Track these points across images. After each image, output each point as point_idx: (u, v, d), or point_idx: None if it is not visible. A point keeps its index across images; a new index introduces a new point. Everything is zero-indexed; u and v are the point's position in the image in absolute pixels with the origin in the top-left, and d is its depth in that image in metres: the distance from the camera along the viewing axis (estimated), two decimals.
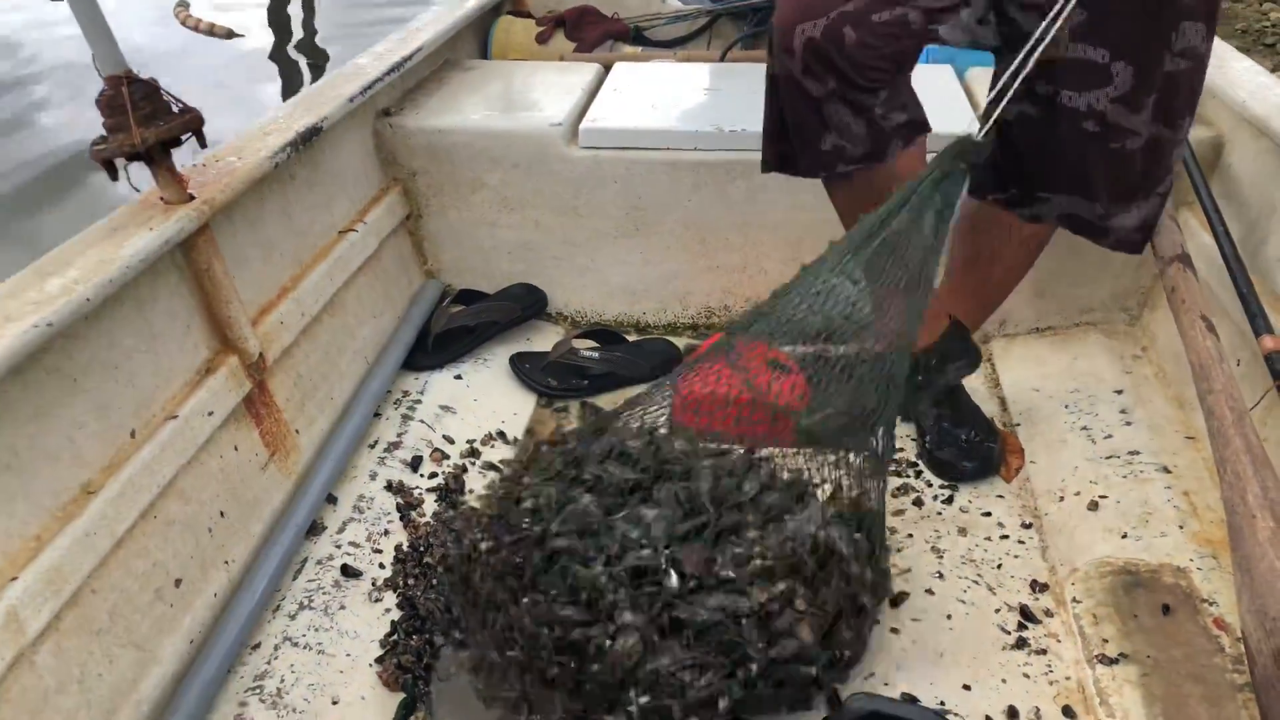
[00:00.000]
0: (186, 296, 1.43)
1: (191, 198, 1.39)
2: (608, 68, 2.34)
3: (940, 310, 1.66)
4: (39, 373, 1.15)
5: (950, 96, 2.07)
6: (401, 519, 1.60)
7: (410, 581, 1.49)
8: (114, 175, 1.35)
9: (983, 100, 1.66)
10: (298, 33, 6.18)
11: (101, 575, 1.19)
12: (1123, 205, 1.50)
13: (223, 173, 1.48)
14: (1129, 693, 1.29)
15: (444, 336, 1.98)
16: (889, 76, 1.38)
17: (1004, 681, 1.35)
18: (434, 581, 1.50)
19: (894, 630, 1.42)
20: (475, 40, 2.61)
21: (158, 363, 1.36)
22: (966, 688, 1.34)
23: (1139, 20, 1.35)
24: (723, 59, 2.44)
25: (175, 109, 1.37)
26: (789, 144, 1.49)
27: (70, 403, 1.20)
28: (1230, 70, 1.83)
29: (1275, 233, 1.61)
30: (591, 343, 2.04)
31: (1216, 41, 2.02)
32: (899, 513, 1.64)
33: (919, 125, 1.47)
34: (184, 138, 1.38)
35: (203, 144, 1.42)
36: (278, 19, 6.16)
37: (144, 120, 1.31)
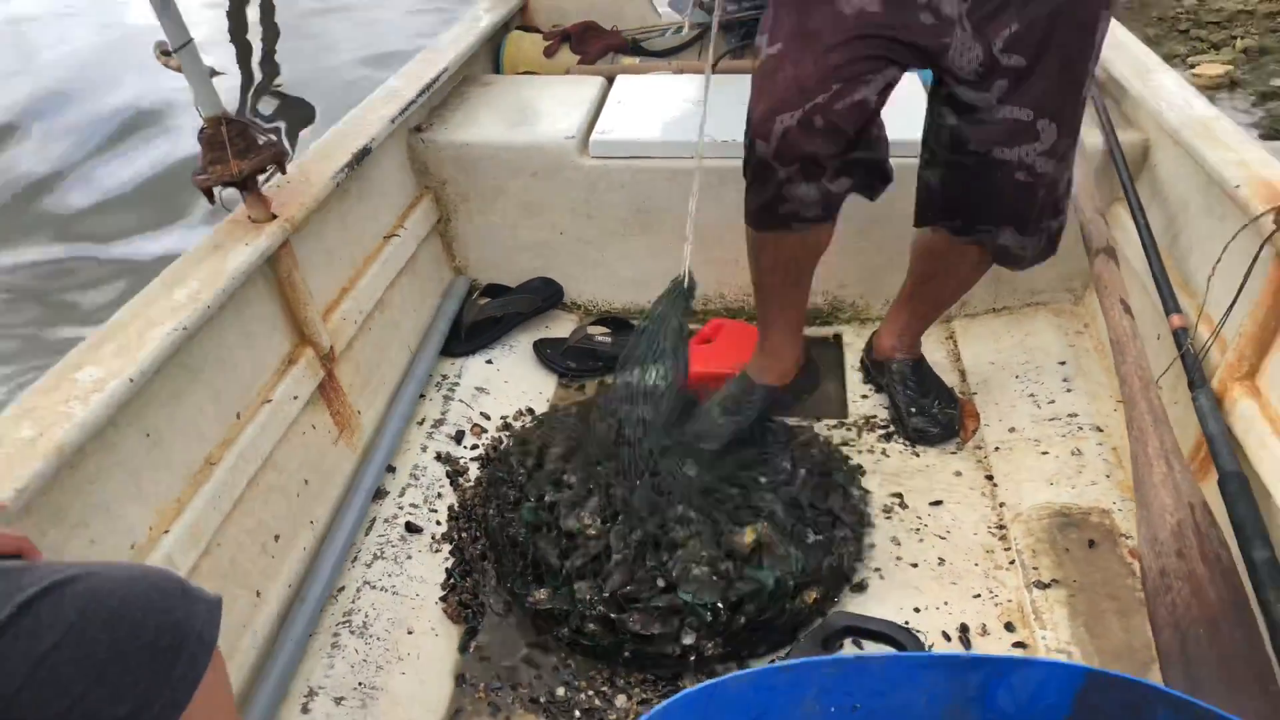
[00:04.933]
0: (271, 301, 1.69)
1: (274, 217, 1.66)
2: (610, 80, 2.59)
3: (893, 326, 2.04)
4: (173, 367, 1.42)
5: (916, 101, 2.33)
6: (451, 484, 1.88)
7: (462, 535, 1.78)
8: (212, 200, 1.62)
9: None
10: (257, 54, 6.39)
11: (224, 531, 1.47)
12: (1039, 232, 1.72)
13: (296, 194, 1.75)
14: (1058, 610, 1.58)
15: (474, 326, 2.26)
16: (845, 151, 1.55)
17: (958, 604, 1.64)
18: (477, 535, 1.79)
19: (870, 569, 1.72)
20: (488, 55, 2.86)
21: (254, 356, 1.63)
22: (920, 610, 1.63)
23: (1058, 79, 1.53)
24: (713, 71, 2.69)
25: (261, 141, 1.63)
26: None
27: (194, 390, 1.47)
28: (1154, 81, 2.10)
29: (1187, 227, 1.89)
30: (604, 329, 2.32)
31: (1142, 51, 2.31)
32: (872, 472, 1.93)
33: (860, 187, 1.68)
34: (268, 168, 1.65)
35: (283, 171, 1.69)
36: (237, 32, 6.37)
37: (239, 154, 1.58)
